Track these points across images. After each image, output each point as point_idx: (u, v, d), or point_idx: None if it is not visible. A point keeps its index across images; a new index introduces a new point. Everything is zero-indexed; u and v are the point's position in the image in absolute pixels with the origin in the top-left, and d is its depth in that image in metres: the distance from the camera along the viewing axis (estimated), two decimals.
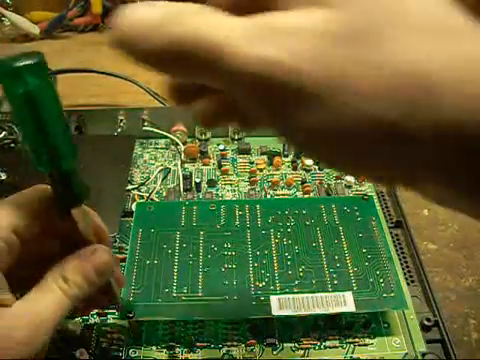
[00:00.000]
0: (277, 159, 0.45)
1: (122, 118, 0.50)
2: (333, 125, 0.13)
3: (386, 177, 0.16)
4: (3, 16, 0.67)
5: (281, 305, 0.32)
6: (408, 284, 0.37)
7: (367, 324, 0.33)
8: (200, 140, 0.48)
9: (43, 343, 0.22)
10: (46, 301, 0.22)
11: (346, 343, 0.33)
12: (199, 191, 0.43)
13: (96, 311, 0.33)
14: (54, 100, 0.19)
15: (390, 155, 0.14)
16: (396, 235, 0.40)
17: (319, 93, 0.13)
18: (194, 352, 0.32)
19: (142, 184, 0.44)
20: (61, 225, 0.24)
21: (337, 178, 0.45)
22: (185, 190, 0.43)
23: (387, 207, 0.42)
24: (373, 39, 0.13)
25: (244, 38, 0.13)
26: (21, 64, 0.17)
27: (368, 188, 0.44)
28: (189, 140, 0.48)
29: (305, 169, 0.45)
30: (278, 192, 0.44)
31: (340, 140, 0.14)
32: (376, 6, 0.13)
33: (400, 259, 0.38)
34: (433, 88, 0.12)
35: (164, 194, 0.43)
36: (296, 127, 0.14)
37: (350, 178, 0.44)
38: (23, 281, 0.24)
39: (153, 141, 0.49)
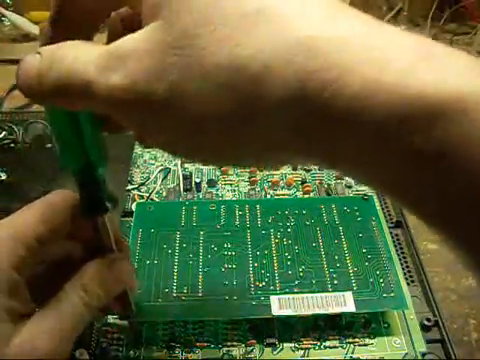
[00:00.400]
0: None
1: None
2: (190, 126, 0.14)
3: (252, 160, 0.16)
4: (3, 16, 0.67)
5: (281, 305, 0.32)
6: (408, 284, 0.37)
7: (367, 324, 0.33)
8: None
9: (65, 354, 0.22)
10: (66, 312, 0.22)
11: (346, 343, 0.33)
12: (199, 191, 0.43)
13: None
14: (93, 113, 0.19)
15: (245, 138, 0.14)
16: (396, 235, 0.40)
17: (164, 104, 0.14)
18: (194, 352, 0.32)
19: (142, 184, 0.44)
20: (84, 230, 0.24)
21: (337, 178, 0.45)
22: (185, 190, 0.43)
23: (387, 207, 0.42)
24: (193, 43, 0.13)
25: (97, 69, 0.14)
26: None
27: (368, 188, 0.44)
28: None
29: (305, 169, 0.45)
30: (278, 192, 0.44)
31: (199, 138, 0.15)
32: (192, 10, 0.14)
33: (400, 259, 0.38)
34: (255, 76, 0.13)
35: (164, 194, 0.43)
36: (160, 136, 0.16)
37: (350, 178, 0.44)
38: (44, 283, 0.24)
39: None
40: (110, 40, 0.16)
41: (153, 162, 0.46)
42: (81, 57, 0.15)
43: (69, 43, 0.16)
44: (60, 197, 0.24)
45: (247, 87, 0.13)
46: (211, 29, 0.13)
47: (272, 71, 0.13)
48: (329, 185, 0.44)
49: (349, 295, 0.33)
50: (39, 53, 0.16)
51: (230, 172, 0.45)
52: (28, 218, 0.23)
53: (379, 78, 0.13)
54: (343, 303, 0.32)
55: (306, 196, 0.43)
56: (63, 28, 0.17)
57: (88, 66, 0.15)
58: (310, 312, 0.32)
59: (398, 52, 0.13)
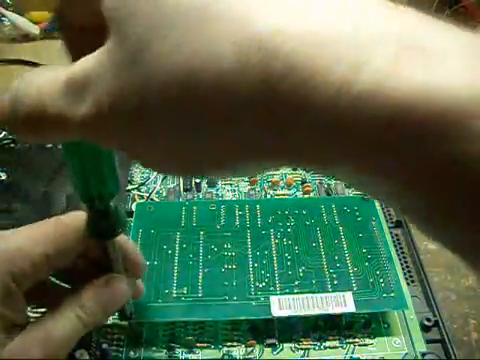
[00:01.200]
0: None
1: None
2: (160, 147, 0.14)
3: (229, 168, 0.15)
4: (3, 16, 0.67)
5: (281, 305, 0.32)
6: (408, 284, 0.36)
7: (367, 324, 0.33)
8: None
9: None
10: (60, 326, 0.22)
11: (346, 343, 0.33)
12: (199, 191, 0.43)
13: None
14: None
15: (225, 143, 0.13)
16: (396, 235, 0.40)
17: (133, 124, 0.13)
18: (194, 353, 0.32)
19: (142, 184, 0.44)
20: (94, 250, 0.25)
21: (337, 178, 0.45)
22: (185, 190, 0.43)
23: (387, 207, 0.42)
24: (145, 56, 0.12)
25: (64, 99, 0.14)
26: None
27: None
28: None
29: (305, 169, 0.45)
30: (278, 192, 0.44)
31: (174, 152, 0.14)
32: (141, 18, 0.12)
33: (400, 259, 0.38)
34: (212, 87, 0.12)
35: (164, 194, 0.43)
36: (138, 158, 0.15)
37: None
38: (47, 291, 0.24)
39: None
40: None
41: None
42: (46, 87, 0.14)
43: (34, 72, 0.15)
44: (73, 219, 0.24)
45: (206, 98, 0.12)
46: (161, 36, 0.12)
47: (228, 79, 0.11)
48: (329, 185, 0.44)
49: (349, 295, 0.33)
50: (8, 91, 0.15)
51: None
52: (38, 234, 0.23)
53: (355, 81, 0.11)
54: (343, 303, 0.32)
55: (306, 196, 0.43)
56: (70, 35, 0.17)
57: (55, 97, 0.14)
58: (310, 312, 0.32)
59: (379, 44, 0.11)
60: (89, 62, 0.14)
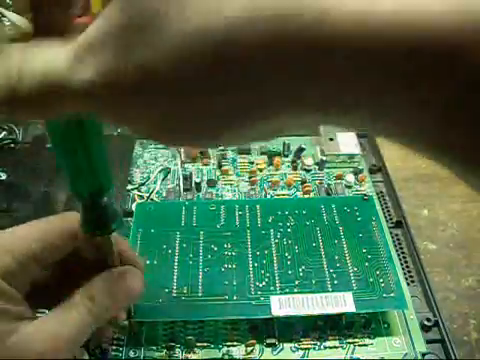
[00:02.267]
0: (277, 159, 0.45)
1: None
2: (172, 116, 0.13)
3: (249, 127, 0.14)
4: (3, 16, 0.67)
5: (281, 305, 0.32)
6: (408, 284, 0.37)
7: (367, 324, 0.33)
8: None
9: (67, 356, 0.22)
10: (70, 318, 0.22)
11: (346, 343, 0.33)
12: (199, 191, 0.43)
13: None
14: (100, 131, 0.19)
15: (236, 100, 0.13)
16: (396, 235, 0.40)
17: (136, 93, 0.13)
18: (194, 352, 0.32)
19: (142, 184, 0.44)
20: (87, 250, 0.24)
21: (337, 178, 0.45)
22: (185, 190, 0.43)
23: (387, 207, 0.42)
24: (151, 22, 0.12)
25: (69, 68, 0.13)
26: None
27: (368, 188, 0.44)
28: None
29: (305, 169, 0.45)
30: (278, 192, 0.44)
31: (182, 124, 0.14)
32: None
33: (400, 259, 0.38)
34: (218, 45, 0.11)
35: (164, 194, 0.43)
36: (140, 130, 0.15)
37: (350, 178, 0.44)
38: (50, 298, 0.24)
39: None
40: None
41: (153, 162, 0.46)
42: (52, 57, 0.14)
43: (37, 49, 0.15)
44: (63, 220, 0.24)
45: (220, 56, 0.12)
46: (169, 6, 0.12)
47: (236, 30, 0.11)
48: (329, 185, 0.44)
49: (349, 295, 0.33)
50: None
51: (230, 172, 0.45)
52: (25, 234, 0.23)
53: (371, 11, 0.11)
54: (343, 303, 0.32)
55: (306, 196, 0.43)
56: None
57: (60, 64, 0.13)
58: (310, 312, 0.32)
59: None
60: (94, 26, 0.13)
